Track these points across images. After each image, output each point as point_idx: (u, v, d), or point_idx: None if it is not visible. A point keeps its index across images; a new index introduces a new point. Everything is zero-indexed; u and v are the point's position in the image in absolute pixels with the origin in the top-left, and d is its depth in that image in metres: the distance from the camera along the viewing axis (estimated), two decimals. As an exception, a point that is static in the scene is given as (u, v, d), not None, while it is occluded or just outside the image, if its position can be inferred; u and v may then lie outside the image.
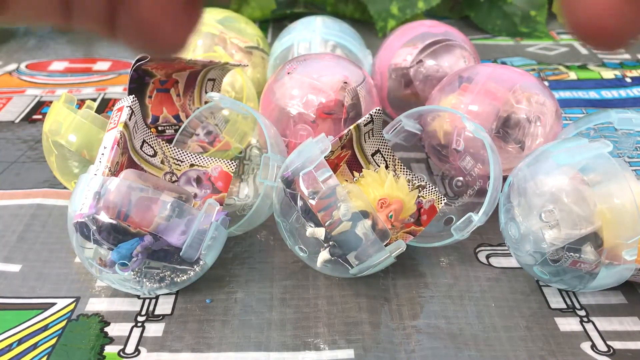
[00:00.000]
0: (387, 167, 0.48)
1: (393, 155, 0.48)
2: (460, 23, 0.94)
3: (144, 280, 0.42)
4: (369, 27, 0.90)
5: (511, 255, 0.46)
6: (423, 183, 0.47)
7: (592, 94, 0.72)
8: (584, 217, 0.39)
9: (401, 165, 0.48)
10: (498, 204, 0.44)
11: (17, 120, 0.68)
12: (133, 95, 0.43)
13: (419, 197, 0.47)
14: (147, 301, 0.43)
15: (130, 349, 0.39)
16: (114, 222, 0.39)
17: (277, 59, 0.66)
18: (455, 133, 0.50)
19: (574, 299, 0.43)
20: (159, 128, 0.53)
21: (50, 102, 0.71)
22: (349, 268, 0.41)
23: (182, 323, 0.41)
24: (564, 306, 0.42)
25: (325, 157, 0.40)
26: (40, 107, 0.71)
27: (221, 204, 0.44)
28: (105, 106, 0.70)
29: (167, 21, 0.14)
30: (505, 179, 0.44)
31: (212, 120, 0.53)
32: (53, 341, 0.39)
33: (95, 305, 0.42)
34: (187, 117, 0.54)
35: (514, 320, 0.41)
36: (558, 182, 0.40)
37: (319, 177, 0.39)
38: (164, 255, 0.41)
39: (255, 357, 0.38)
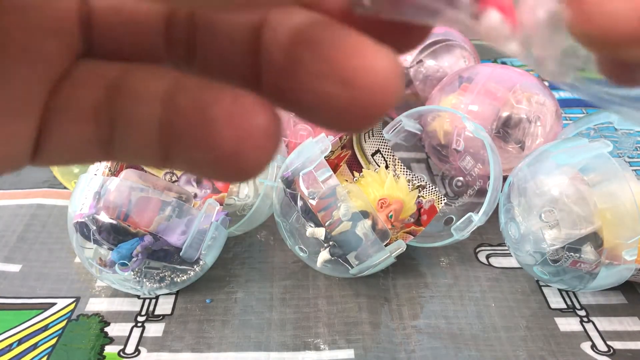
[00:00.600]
0: (387, 167, 0.48)
1: (393, 155, 0.48)
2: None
3: (144, 280, 0.41)
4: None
5: (511, 255, 0.46)
6: (423, 183, 0.47)
7: (592, 94, 0.72)
8: (584, 217, 0.39)
9: (401, 165, 0.48)
10: (498, 204, 0.44)
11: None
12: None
13: (419, 197, 0.47)
14: (147, 301, 0.43)
15: (130, 349, 0.39)
16: (114, 222, 0.39)
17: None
18: (455, 133, 0.50)
19: (574, 299, 0.43)
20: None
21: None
22: (349, 268, 0.41)
23: (182, 323, 0.41)
24: (564, 306, 0.42)
25: (325, 157, 0.40)
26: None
27: (221, 204, 0.44)
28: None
29: (251, 150, 0.11)
30: (505, 179, 0.44)
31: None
32: (53, 341, 0.39)
33: (95, 305, 0.42)
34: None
35: (514, 320, 0.41)
36: (558, 182, 0.40)
37: (319, 177, 0.39)
38: (164, 255, 0.41)
39: (255, 357, 0.38)
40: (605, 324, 0.41)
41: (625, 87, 0.11)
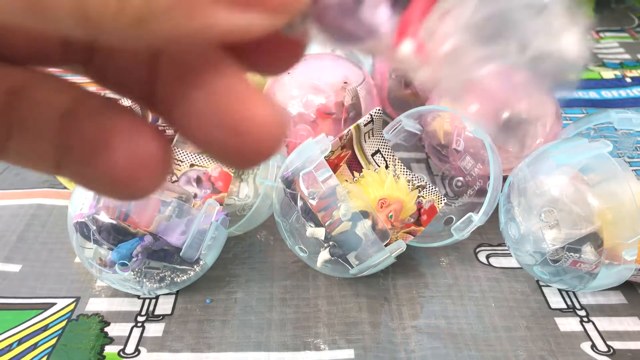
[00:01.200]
0: (387, 167, 0.48)
1: (393, 155, 0.48)
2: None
3: (144, 280, 0.42)
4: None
5: (511, 255, 0.46)
6: (423, 183, 0.47)
7: (592, 94, 0.72)
8: (584, 217, 0.39)
9: (401, 166, 0.48)
10: (498, 204, 0.44)
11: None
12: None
13: (419, 197, 0.47)
14: (147, 301, 0.43)
15: (130, 349, 0.39)
16: (114, 222, 0.39)
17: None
18: (455, 133, 0.50)
19: (574, 299, 0.43)
20: (159, 128, 0.53)
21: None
22: (349, 268, 0.41)
23: (182, 323, 0.41)
24: (564, 306, 0.42)
25: (325, 157, 0.40)
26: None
27: (221, 204, 0.44)
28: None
29: (143, 175, 0.12)
30: (505, 179, 0.44)
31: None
32: (53, 341, 0.39)
33: (95, 305, 0.42)
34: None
35: (514, 320, 0.41)
36: (558, 182, 0.40)
37: (319, 177, 0.39)
38: (164, 255, 0.41)
39: (255, 357, 0.38)
40: (605, 324, 0.41)
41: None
